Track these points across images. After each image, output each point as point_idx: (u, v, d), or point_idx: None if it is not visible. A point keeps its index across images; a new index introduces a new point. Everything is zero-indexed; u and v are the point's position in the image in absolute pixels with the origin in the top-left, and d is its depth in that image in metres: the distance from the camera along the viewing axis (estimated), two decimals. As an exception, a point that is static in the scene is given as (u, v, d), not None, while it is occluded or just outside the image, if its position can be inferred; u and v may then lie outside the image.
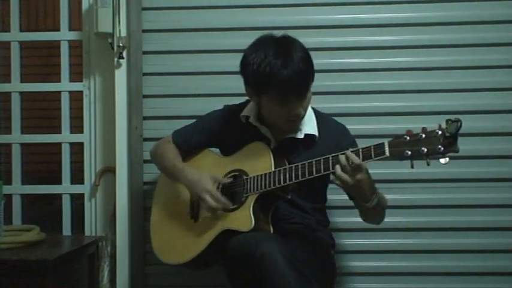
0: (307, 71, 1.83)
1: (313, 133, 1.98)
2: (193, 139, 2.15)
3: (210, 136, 2.13)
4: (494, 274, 2.42)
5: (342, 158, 1.73)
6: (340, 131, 2.04)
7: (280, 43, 1.86)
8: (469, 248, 2.43)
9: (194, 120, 2.22)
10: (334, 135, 1.99)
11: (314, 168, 1.80)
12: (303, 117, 1.93)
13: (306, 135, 1.97)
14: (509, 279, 2.42)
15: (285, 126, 1.94)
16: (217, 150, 2.18)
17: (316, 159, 1.80)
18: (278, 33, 1.92)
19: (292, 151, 1.95)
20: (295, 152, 1.95)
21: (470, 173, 2.43)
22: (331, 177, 1.78)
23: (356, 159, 1.71)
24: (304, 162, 1.82)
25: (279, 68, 1.79)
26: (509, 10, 2.44)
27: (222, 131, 2.11)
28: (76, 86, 2.67)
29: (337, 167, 1.74)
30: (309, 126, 1.99)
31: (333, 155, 1.77)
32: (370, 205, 1.83)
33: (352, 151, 1.74)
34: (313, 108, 2.05)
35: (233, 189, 1.99)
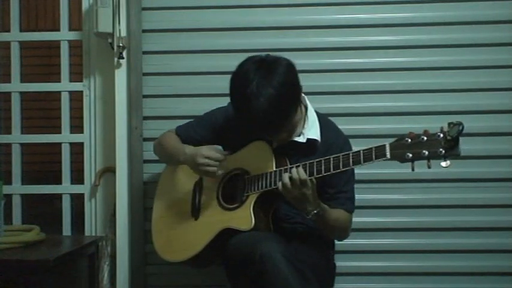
0: (269, 114, 1.76)
1: (316, 138, 1.97)
2: (196, 135, 2.15)
3: (213, 133, 2.13)
4: (494, 274, 2.43)
5: (294, 170, 1.78)
6: (341, 143, 2.02)
7: (257, 76, 1.78)
8: (469, 248, 2.43)
9: (197, 117, 2.22)
10: (335, 145, 1.97)
11: (315, 169, 1.80)
12: (287, 136, 1.93)
13: (308, 139, 1.96)
14: (509, 279, 2.42)
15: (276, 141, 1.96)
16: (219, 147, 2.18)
17: (317, 159, 1.80)
18: (266, 55, 1.87)
19: (293, 154, 1.95)
20: (295, 155, 1.94)
21: (470, 173, 2.43)
22: (278, 184, 1.81)
23: (303, 175, 1.76)
24: (305, 162, 1.82)
25: (245, 107, 1.78)
26: (509, 10, 2.44)
27: (225, 129, 2.11)
28: (76, 86, 2.67)
29: (286, 175, 1.78)
30: (312, 131, 1.98)
31: (334, 156, 1.78)
32: (310, 218, 1.85)
33: (353, 153, 1.74)
34: (316, 112, 2.04)
35: (234, 188, 2.00)
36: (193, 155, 1.98)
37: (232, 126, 2.07)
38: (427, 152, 1.59)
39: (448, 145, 1.57)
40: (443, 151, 1.57)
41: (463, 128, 1.54)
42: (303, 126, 1.97)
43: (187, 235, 2.05)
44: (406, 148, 1.63)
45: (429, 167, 1.61)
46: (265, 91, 1.76)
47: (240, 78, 1.82)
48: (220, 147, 2.04)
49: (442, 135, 1.58)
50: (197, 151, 1.98)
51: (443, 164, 1.59)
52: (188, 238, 2.04)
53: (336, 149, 1.92)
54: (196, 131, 2.15)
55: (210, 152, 1.96)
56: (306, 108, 1.99)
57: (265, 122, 1.79)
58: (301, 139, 1.96)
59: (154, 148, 2.26)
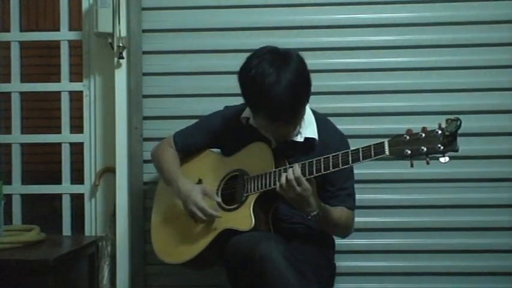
0: (292, 99, 1.79)
1: (313, 137, 1.98)
2: (194, 140, 2.15)
3: (211, 137, 2.13)
4: (494, 274, 2.43)
5: (289, 170, 1.79)
6: (338, 140, 2.03)
7: (274, 65, 1.80)
8: (469, 248, 2.43)
9: (195, 121, 2.22)
10: (333, 143, 1.97)
11: (314, 168, 1.80)
12: (293, 130, 1.93)
13: (305, 138, 1.97)
14: (509, 279, 2.42)
15: (276, 139, 1.96)
16: (218, 150, 2.18)
17: (316, 158, 1.80)
18: (275, 47, 1.88)
19: (291, 154, 1.94)
20: (294, 155, 1.94)
21: (470, 173, 2.43)
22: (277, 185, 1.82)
23: (298, 173, 1.77)
24: (304, 161, 1.82)
25: (264, 95, 1.78)
26: (509, 10, 2.44)
27: (223, 132, 2.11)
28: (76, 86, 2.67)
29: (284, 175, 1.79)
30: (309, 129, 1.98)
31: (333, 154, 1.78)
32: (309, 219, 1.85)
33: (352, 151, 1.74)
34: (312, 111, 2.04)
35: (234, 189, 2.00)
36: (187, 196, 2.00)
37: (230, 128, 2.08)
38: (425, 148, 1.60)
39: (446, 141, 1.57)
40: (442, 147, 1.58)
41: (460, 123, 1.54)
42: (301, 126, 1.97)
43: (188, 237, 2.05)
44: (405, 145, 1.63)
45: (427, 163, 1.61)
46: (285, 77, 1.77)
47: (257, 70, 1.81)
48: (208, 188, 2.03)
49: (440, 131, 1.58)
50: (190, 194, 1.99)
51: (442, 159, 1.59)
52: (188, 240, 2.04)
53: (334, 146, 1.93)
54: (195, 137, 2.15)
55: (204, 205, 1.96)
56: None
57: (287, 108, 1.79)
58: (299, 138, 1.96)
59: (152, 160, 2.26)
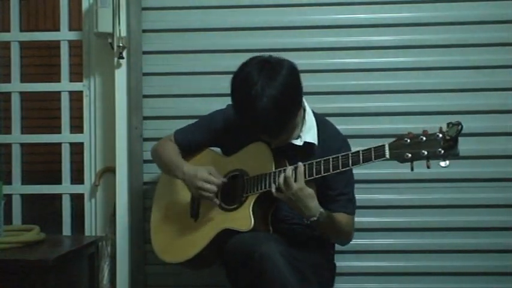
0: (273, 115, 1.76)
1: (313, 141, 1.97)
2: (195, 138, 2.15)
3: (212, 135, 2.13)
4: (494, 274, 2.43)
5: (288, 169, 1.79)
6: (339, 143, 2.01)
7: (261, 77, 1.77)
8: (469, 248, 2.43)
9: (196, 120, 2.22)
10: (333, 148, 1.95)
11: (314, 170, 1.80)
12: (286, 139, 1.93)
13: (305, 143, 1.96)
14: (509, 279, 2.42)
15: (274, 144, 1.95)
16: (218, 149, 2.18)
17: (316, 160, 1.80)
18: (269, 57, 1.86)
19: (290, 157, 1.93)
20: (293, 157, 1.92)
21: (470, 173, 2.43)
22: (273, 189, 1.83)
23: (301, 170, 1.77)
24: (304, 163, 1.81)
25: (250, 106, 1.77)
26: (509, 10, 2.44)
27: (224, 131, 2.10)
28: (76, 86, 2.67)
29: (282, 176, 1.79)
30: (309, 134, 1.97)
31: (333, 156, 1.78)
32: (309, 223, 1.85)
33: (352, 153, 1.74)
34: (314, 114, 2.03)
35: (233, 189, 2.00)
36: (192, 175, 1.98)
37: (231, 128, 2.07)
38: (426, 152, 1.60)
39: (447, 145, 1.57)
40: (442, 151, 1.58)
41: (462, 128, 1.54)
42: (301, 129, 1.96)
43: (187, 236, 2.05)
44: (406, 148, 1.63)
45: (428, 167, 1.61)
46: (269, 92, 1.75)
47: (243, 79, 1.81)
48: (213, 168, 2.02)
49: (441, 135, 1.58)
50: (196, 172, 1.97)
51: (442, 163, 1.59)
52: (188, 239, 2.04)
53: (334, 150, 1.91)
54: (195, 134, 2.15)
55: (209, 176, 1.95)
56: (304, 110, 1.98)
57: (268, 122, 1.78)
58: (299, 142, 1.95)
59: (152, 155, 2.25)
